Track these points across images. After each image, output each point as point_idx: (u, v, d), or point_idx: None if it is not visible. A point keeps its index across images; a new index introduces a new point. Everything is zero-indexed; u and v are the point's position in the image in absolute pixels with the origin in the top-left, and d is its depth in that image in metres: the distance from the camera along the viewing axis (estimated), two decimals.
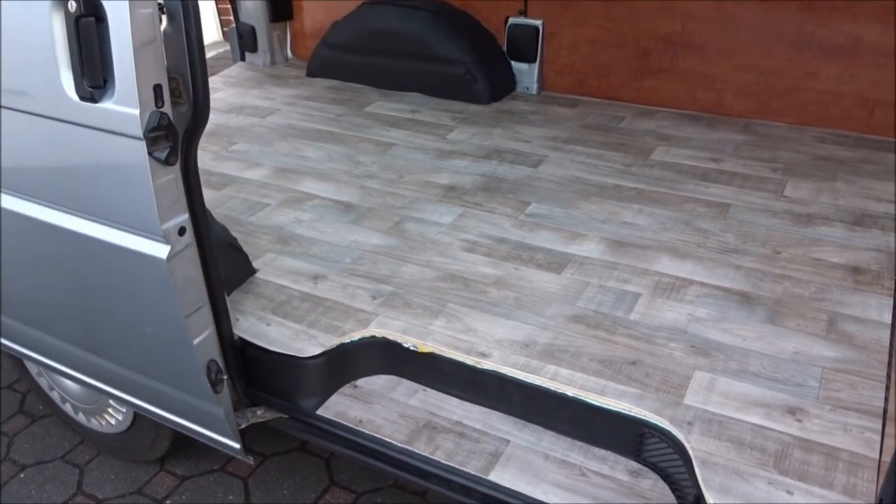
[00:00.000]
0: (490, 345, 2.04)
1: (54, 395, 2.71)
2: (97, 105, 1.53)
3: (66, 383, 2.60)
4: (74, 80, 1.54)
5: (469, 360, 2.00)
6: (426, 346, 2.06)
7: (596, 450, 1.87)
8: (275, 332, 2.11)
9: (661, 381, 1.89)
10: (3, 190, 1.84)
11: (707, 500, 1.58)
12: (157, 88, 1.51)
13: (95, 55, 1.49)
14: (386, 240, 2.53)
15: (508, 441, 1.90)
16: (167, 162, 1.56)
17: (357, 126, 3.47)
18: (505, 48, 3.73)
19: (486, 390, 2.01)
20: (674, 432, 1.74)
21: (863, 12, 2.98)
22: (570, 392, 1.88)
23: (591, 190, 2.81)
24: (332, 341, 2.08)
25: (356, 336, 2.11)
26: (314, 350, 2.05)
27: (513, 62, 3.74)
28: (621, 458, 1.85)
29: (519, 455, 1.85)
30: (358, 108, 3.69)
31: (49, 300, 2.06)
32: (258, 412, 2.14)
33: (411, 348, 2.08)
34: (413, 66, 3.73)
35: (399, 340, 2.10)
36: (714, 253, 2.39)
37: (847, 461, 1.64)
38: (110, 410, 2.54)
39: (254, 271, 2.37)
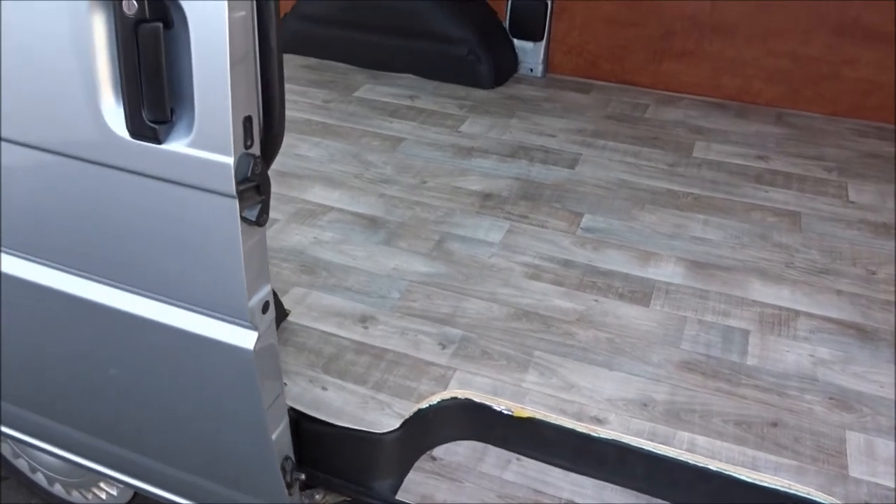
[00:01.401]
0: (601, 405, 1.71)
1: (21, 463, 2.19)
2: (162, 147, 1.08)
3: (43, 456, 2.10)
4: (127, 110, 1.07)
5: (582, 428, 1.67)
6: (524, 411, 1.72)
7: None
8: (335, 398, 1.71)
9: (814, 448, 1.63)
10: (4, 250, 1.33)
11: None
12: (248, 122, 1.07)
13: (163, 76, 1.03)
14: (432, 266, 2.14)
15: None
16: (258, 222, 1.13)
17: (352, 116, 3.01)
18: (507, 24, 3.34)
19: (603, 461, 1.70)
20: None
21: None
22: (714, 466, 1.60)
23: (644, 196, 2.50)
24: (409, 408, 1.71)
25: (435, 399, 1.74)
26: (390, 422, 1.67)
27: (516, 41, 3.35)
28: None
29: None
30: (346, 93, 3.22)
31: (60, 383, 1.57)
32: (316, 497, 1.75)
33: (505, 412, 1.73)
34: (404, 43, 3.28)
35: (489, 403, 1.74)
36: (807, 275, 2.14)
37: None
38: (102, 485, 2.06)
39: (286, 314, 1.94)
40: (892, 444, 1.63)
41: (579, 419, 1.68)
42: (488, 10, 3.34)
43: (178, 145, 1.07)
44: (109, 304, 1.26)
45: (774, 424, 1.68)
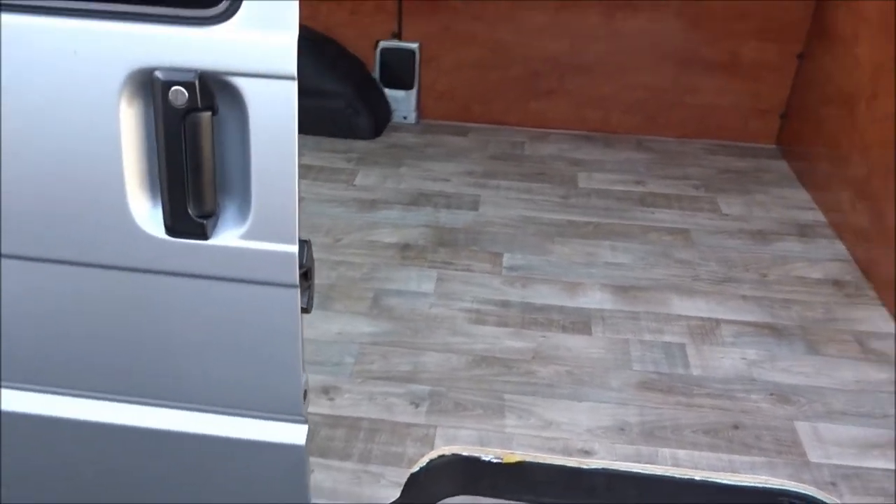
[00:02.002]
0: (583, 437, 1.77)
1: None
2: (209, 243, 0.99)
3: None
4: (169, 207, 0.97)
5: (572, 462, 1.72)
6: (513, 455, 1.74)
7: None
8: (325, 479, 1.63)
9: (774, 442, 1.79)
10: (6, 385, 1.14)
11: None
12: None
13: (213, 166, 0.95)
14: (377, 325, 2.11)
15: None
16: (307, 310, 1.07)
17: None
18: (377, 75, 3.38)
19: (593, 491, 1.75)
20: (827, 501, 1.65)
21: (741, 29, 3.17)
22: (699, 476, 1.71)
23: (549, 230, 2.63)
24: (403, 475, 1.66)
25: (425, 460, 1.71)
26: (389, 493, 1.62)
27: (387, 90, 3.39)
28: None
29: None
30: None
31: None
32: None
33: (494, 461, 1.74)
34: None
35: (477, 454, 1.74)
36: (713, 285, 2.36)
37: None
38: None
39: None
40: (834, 427, 1.84)
41: (568, 454, 1.74)
42: (358, 62, 3.36)
43: (228, 238, 0.99)
44: (146, 425, 1.13)
45: (736, 427, 1.83)
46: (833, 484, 1.68)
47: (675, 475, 1.71)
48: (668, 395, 1.92)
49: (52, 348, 1.12)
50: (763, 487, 1.70)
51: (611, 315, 2.20)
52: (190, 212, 0.98)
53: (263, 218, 0.98)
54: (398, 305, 2.19)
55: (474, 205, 2.78)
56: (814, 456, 1.76)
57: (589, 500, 1.76)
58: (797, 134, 3.21)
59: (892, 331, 2.18)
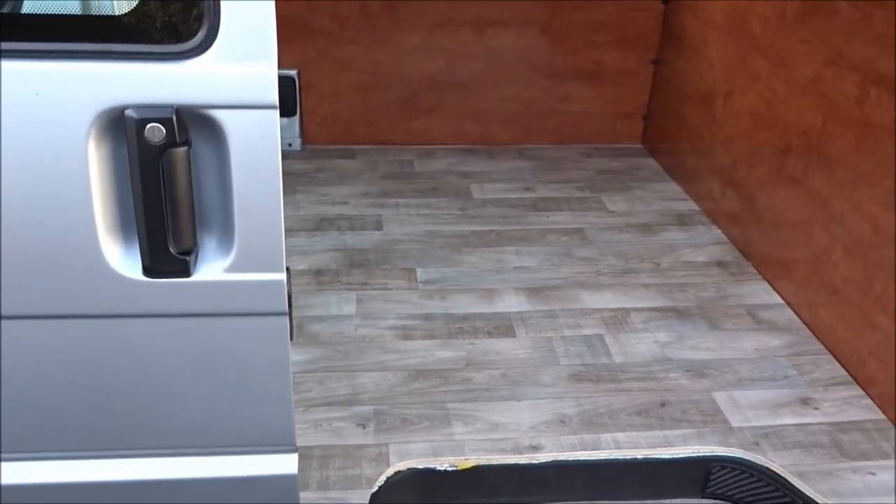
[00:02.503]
0: (529, 434, 1.84)
1: None
2: (192, 279, 0.96)
3: None
4: (147, 246, 0.93)
5: (524, 459, 1.79)
6: (467, 461, 1.78)
7: (674, 500, 1.85)
8: None
9: (699, 413, 1.94)
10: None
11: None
12: None
13: (192, 202, 0.93)
14: (306, 352, 2.08)
15: None
16: (291, 337, 1.06)
17: None
18: None
19: (544, 485, 1.82)
20: (754, 460, 1.81)
21: (601, 40, 3.40)
22: (640, 454, 1.82)
23: (456, 242, 2.69)
24: (364, 496, 1.66)
25: (383, 479, 1.71)
26: None
27: None
28: (687, 501, 1.86)
29: None
30: None
31: None
32: None
33: (450, 469, 1.77)
34: None
35: (432, 465, 1.76)
36: (616, 277, 2.51)
37: None
38: None
39: None
40: (746, 392, 2.01)
41: (518, 452, 1.80)
42: None
43: (212, 273, 0.97)
44: (138, 478, 1.07)
45: (663, 405, 1.96)
46: (756, 444, 1.85)
47: (619, 457, 1.82)
48: (598, 384, 2.03)
49: (35, 412, 1.05)
50: (698, 456, 1.84)
51: (530, 316, 2.30)
52: (171, 249, 0.95)
53: (249, 248, 0.97)
54: (323, 331, 2.18)
55: (378, 225, 2.80)
56: (735, 421, 1.92)
57: (543, 493, 1.83)
58: (660, 133, 3.48)
59: (777, 301, 2.42)
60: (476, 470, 1.78)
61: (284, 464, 1.12)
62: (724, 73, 2.83)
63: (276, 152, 0.94)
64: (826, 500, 1.70)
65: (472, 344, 2.16)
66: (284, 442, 1.11)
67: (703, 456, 1.84)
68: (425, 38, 3.34)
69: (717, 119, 2.87)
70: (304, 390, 1.94)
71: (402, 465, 1.75)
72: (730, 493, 1.86)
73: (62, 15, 0.91)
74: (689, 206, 3.03)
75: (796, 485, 1.75)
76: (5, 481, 1.06)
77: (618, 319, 2.30)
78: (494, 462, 1.78)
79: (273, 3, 0.91)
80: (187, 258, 0.96)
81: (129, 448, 1.09)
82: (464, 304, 2.34)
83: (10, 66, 0.88)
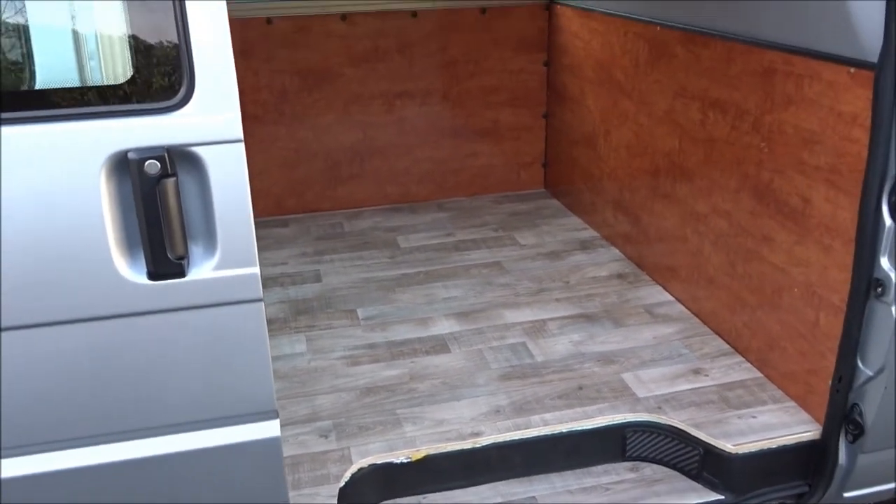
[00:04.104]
0: (470, 425, 2.14)
1: None
2: (186, 279, 1.25)
3: None
4: (150, 255, 1.22)
5: (468, 444, 2.07)
6: (419, 452, 2.05)
7: (592, 469, 2.15)
8: None
9: (611, 391, 2.27)
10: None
11: (723, 447, 2.03)
12: None
13: (182, 217, 1.23)
14: None
15: (534, 497, 2.04)
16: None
17: None
18: None
19: (488, 466, 2.10)
20: (659, 420, 2.14)
21: (496, 101, 3.86)
22: (565, 428, 2.13)
23: (389, 284, 3.01)
24: (333, 490, 1.90)
25: (348, 474, 1.97)
26: None
27: None
28: (611, 466, 2.17)
29: (562, 500, 2.02)
30: None
31: None
32: None
33: (405, 461, 2.03)
34: None
35: (389, 459, 2.03)
36: (532, 296, 2.87)
37: None
38: None
39: None
40: (648, 371, 2.37)
41: (462, 439, 2.08)
42: None
43: (202, 272, 1.26)
44: (138, 455, 1.33)
45: (580, 388, 2.30)
46: (659, 408, 2.20)
47: (547, 433, 2.13)
48: (524, 380, 2.35)
49: (50, 408, 1.29)
50: (614, 424, 2.17)
51: (461, 335, 2.62)
52: (169, 256, 1.24)
53: (229, 250, 1.27)
54: (280, 367, 2.44)
55: (317, 277, 3.10)
56: (641, 393, 2.27)
57: (487, 474, 2.11)
58: (558, 176, 3.93)
59: (669, 299, 2.81)
60: (427, 459, 2.05)
61: (269, 428, 1.38)
62: (601, 116, 3.31)
63: (244, 173, 1.26)
64: (718, 441, 2.05)
65: (412, 362, 2.46)
66: (268, 409, 1.38)
67: (617, 423, 2.17)
68: (341, 114, 3.73)
69: (602, 156, 3.33)
70: None
71: (364, 462, 2.01)
72: (644, 453, 2.19)
73: (77, 87, 1.22)
74: (590, 233, 3.45)
75: (695, 434, 2.09)
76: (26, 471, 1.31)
77: (536, 328, 2.64)
78: (442, 450, 2.06)
79: (233, 68, 1.24)
80: (182, 262, 1.26)
81: (134, 429, 1.34)
82: (402, 332, 2.64)
83: (42, 127, 1.18)
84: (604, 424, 2.16)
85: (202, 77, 1.22)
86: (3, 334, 1.23)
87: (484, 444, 2.09)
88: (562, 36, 3.68)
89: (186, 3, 1.19)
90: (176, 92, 1.22)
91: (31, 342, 1.25)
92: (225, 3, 1.22)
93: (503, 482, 2.11)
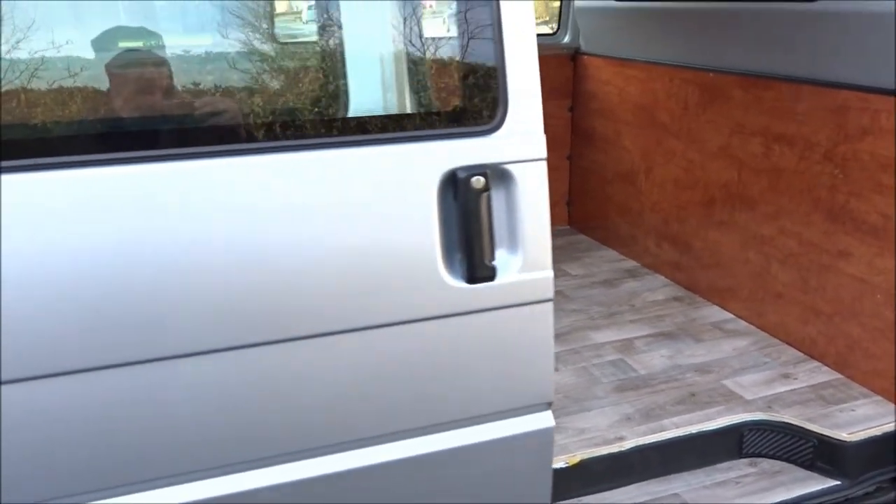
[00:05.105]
0: (609, 430, 2.31)
1: None
2: (496, 283, 1.40)
3: None
4: (472, 261, 1.37)
5: (615, 448, 2.24)
6: (575, 457, 2.20)
7: (717, 466, 2.36)
8: None
9: (720, 396, 2.50)
10: None
11: (838, 437, 2.28)
12: None
13: (493, 227, 1.39)
14: None
15: (678, 494, 2.23)
16: None
17: None
18: None
19: (631, 467, 2.28)
20: (773, 418, 2.38)
21: None
22: (694, 429, 2.33)
23: None
24: None
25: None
26: None
27: None
28: (732, 462, 2.38)
29: (702, 495, 2.21)
30: None
31: None
32: None
33: (564, 466, 2.18)
34: None
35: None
36: (606, 319, 3.09)
37: None
38: None
39: None
40: (744, 377, 2.61)
41: (608, 443, 2.25)
42: None
43: (508, 275, 1.41)
44: (429, 450, 1.47)
45: (693, 394, 2.52)
46: (769, 407, 2.44)
47: (680, 434, 2.33)
48: (638, 390, 2.55)
49: (375, 404, 1.40)
50: (733, 424, 2.39)
51: (560, 355, 2.80)
52: (484, 261, 1.40)
53: (531, 255, 1.43)
54: None
55: None
56: (748, 396, 2.51)
57: (631, 474, 2.28)
58: (584, 213, 4.21)
59: (730, 317, 3.09)
60: (582, 463, 2.21)
61: (545, 419, 1.53)
62: (641, 155, 3.61)
63: (545, 188, 1.43)
64: (833, 431, 2.30)
65: None
66: (547, 400, 1.52)
67: (736, 423, 2.39)
68: None
69: (642, 191, 3.62)
70: None
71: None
72: (760, 450, 2.41)
73: (416, 113, 1.38)
74: (631, 263, 3.72)
75: (809, 427, 2.34)
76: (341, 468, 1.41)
77: (626, 346, 2.86)
78: (595, 454, 2.22)
79: (539, 95, 1.42)
80: (494, 266, 1.41)
81: (435, 424, 1.46)
82: None
83: (384, 148, 1.33)
84: (725, 425, 2.38)
85: (514, 104, 1.39)
86: (342, 336, 1.34)
87: (628, 447, 2.27)
88: (589, 83, 4.01)
89: (504, 43, 1.38)
90: (494, 117, 1.39)
91: (362, 344, 1.37)
92: (536, 41, 1.41)
93: (645, 482, 2.29)
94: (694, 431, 2.34)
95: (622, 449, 2.25)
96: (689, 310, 3.17)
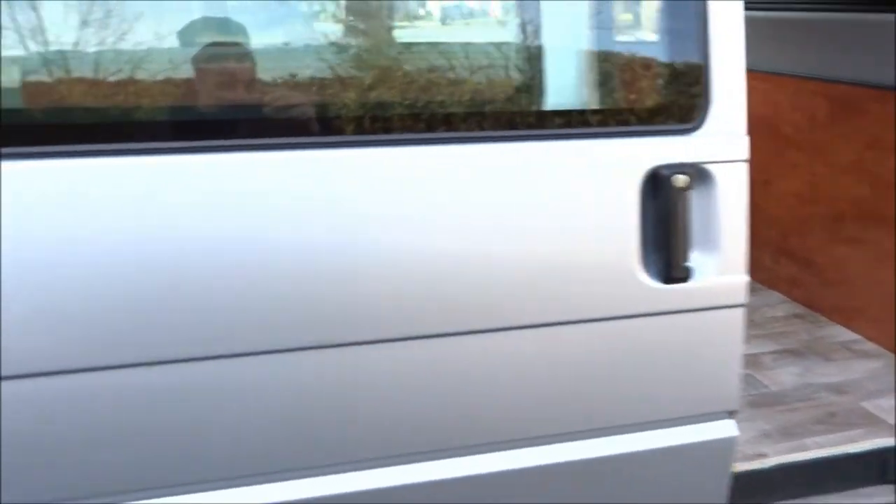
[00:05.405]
0: (748, 446, 2.25)
1: None
2: (692, 284, 1.37)
3: None
4: (671, 261, 1.34)
5: (756, 464, 2.18)
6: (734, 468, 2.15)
7: (860, 491, 2.27)
8: None
9: (860, 418, 2.41)
10: None
11: None
12: None
13: (690, 228, 1.36)
14: None
15: None
16: None
17: None
18: None
19: (771, 485, 2.20)
20: None
21: None
22: (838, 451, 2.25)
23: None
24: None
25: None
26: None
27: None
28: (876, 488, 2.29)
29: None
30: None
31: None
32: None
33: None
34: None
35: None
36: None
37: None
38: None
39: None
40: (882, 400, 2.51)
41: (750, 459, 2.19)
42: None
43: (703, 277, 1.38)
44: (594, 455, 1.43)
45: (832, 415, 2.43)
46: None
47: (824, 454, 2.25)
48: (772, 407, 2.48)
49: (563, 402, 1.39)
50: (878, 448, 2.29)
51: None
52: (682, 262, 1.37)
53: (728, 258, 1.40)
54: None
55: None
56: (891, 420, 2.41)
57: (770, 492, 2.21)
58: None
59: (857, 337, 2.98)
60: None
61: (728, 427, 1.49)
62: (759, 167, 3.49)
63: (746, 190, 1.40)
64: None
65: None
66: (731, 408, 1.48)
67: (883, 447, 2.29)
68: None
69: (759, 204, 3.51)
70: None
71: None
72: None
73: (618, 108, 1.37)
74: None
75: None
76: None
77: (753, 362, 2.78)
78: (737, 469, 2.16)
79: (745, 94, 1.39)
80: (690, 267, 1.38)
81: (613, 426, 1.44)
82: None
83: (583, 143, 1.32)
84: (870, 448, 2.29)
85: (718, 102, 1.37)
86: (530, 331, 1.33)
87: (770, 464, 2.20)
88: None
89: (710, 41, 1.35)
90: (695, 117, 1.37)
91: (551, 339, 1.35)
92: (744, 41, 1.38)
93: (785, 501, 2.21)
94: (839, 453, 2.25)
95: (763, 466, 2.19)
96: (813, 328, 3.07)
